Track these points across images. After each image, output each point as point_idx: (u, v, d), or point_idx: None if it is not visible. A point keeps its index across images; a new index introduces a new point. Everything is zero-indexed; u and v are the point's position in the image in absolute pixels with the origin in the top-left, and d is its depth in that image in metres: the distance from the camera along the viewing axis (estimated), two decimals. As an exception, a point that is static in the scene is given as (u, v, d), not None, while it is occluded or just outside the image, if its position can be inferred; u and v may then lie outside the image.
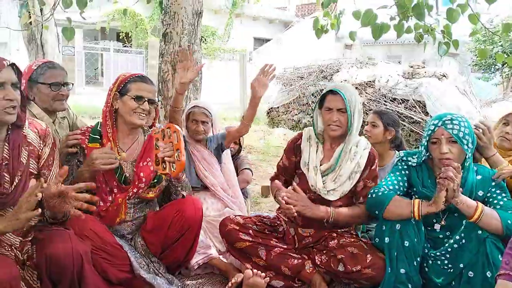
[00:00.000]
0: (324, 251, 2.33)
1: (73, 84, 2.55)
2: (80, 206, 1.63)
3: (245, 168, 3.39)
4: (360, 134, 2.36)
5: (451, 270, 2.03)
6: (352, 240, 2.32)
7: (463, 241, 1.99)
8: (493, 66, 14.58)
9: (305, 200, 2.22)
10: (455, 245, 2.02)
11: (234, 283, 2.26)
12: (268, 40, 19.28)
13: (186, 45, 3.42)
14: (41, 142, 1.87)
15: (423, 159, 2.18)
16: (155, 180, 2.23)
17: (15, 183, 1.73)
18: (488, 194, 2.07)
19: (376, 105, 7.41)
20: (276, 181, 2.30)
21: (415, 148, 6.62)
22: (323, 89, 8.64)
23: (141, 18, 16.19)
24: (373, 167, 2.33)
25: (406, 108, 7.35)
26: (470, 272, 1.94)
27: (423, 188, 2.15)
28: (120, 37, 17.06)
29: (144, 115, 2.16)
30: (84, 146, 2.18)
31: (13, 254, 1.77)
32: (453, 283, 2.03)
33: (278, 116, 9.54)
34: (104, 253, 2.02)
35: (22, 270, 1.77)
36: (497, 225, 1.90)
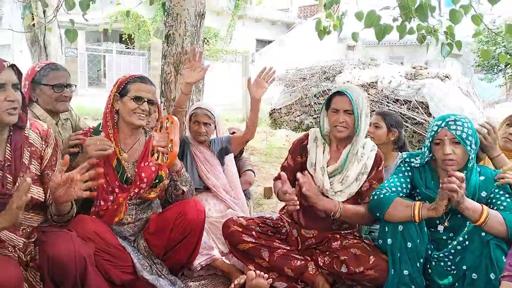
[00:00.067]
0: (327, 253, 2.32)
1: (76, 85, 2.56)
2: (89, 185, 1.69)
3: (248, 170, 3.39)
4: (362, 135, 2.36)
5: (455, 272, 2.02)
6: (355, 241, 2.32)
7: (467, 242, 1.98)
8: (496, 67, 14.55)
9: (316, 190, 2.20)
10: (459, 247, 2.01)
11: (237, 285, 2.25)
12: (270, 42, 19.29)
13: (188, 47, 3.43)
14: (43, 143, 1.88)
15: (426, 160, 2.17)
16: (157, 180, 2.23)
17: (17, 184, 1.73)
18: (492, 195, 2.06)
19: (378, 106, 7.40)
20: (282, 172, 2.25)
21: (418, 149, 6.61)
22: (325, 90, 8.69)
23: (143, 19, 16.23)
24: (379, 169, 2.33)
25: (409, 109, 7.34)
26: (474, 274, 1.93)
27: (426, 190, 2.15)
28: (123, 39, 17.10)
29: (144, 115, 2.17)
30: None
31: (16, 255, 1.77)
32: (457, 284, 2.02)
33: (281, 117, 9.54)
34: (107, 254, 2.02)
35: (25, 272, 1.78)
36: (502, 228, 1.88)
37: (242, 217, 2.52)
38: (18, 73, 1.75)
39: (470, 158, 2.04)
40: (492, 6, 2.86)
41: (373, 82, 8.13)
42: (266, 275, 2.22)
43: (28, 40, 6.09)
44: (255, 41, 20.42)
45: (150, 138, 2.27)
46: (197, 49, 2.69)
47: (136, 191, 2.19)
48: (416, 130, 7.14)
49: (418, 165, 2.20)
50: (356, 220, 2.32)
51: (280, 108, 9.53)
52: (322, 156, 2.34)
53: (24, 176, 1.68)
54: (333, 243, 2.34)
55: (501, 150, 2.30)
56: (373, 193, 2.17)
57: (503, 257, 1.86)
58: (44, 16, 5.32)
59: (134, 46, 17.23)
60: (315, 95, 8.83)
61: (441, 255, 2.07)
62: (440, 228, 2.14)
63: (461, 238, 2.01)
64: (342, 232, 2.40)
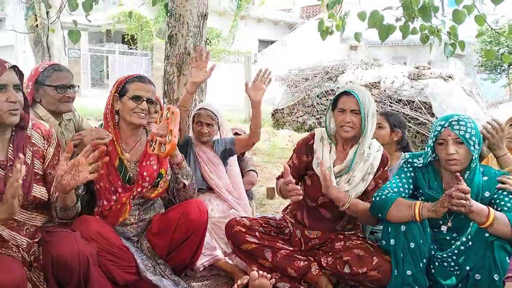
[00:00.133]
0: (330, 253, 2.32)
1: (79, 86, 2.57)
2: (95, 167, 1.71)
3: (250, 170, 3.39)
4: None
5: (458, 272, 2.02)
6: (359, 242, 2.31)
7: (470, 243, 1.97)
8: (499, 67, 14.51)
9: (329, 179, 2.18)
10: (462, 247, 2.00)
11: (240, 285, 2.25)
12: (273, 42, 19.30)
13: (191, 48, 3.44)
14: (45, 143, 1.89)
15: (429, 160, 2.17)
16: (158, 179, 2.24)
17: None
18: (495, 196, 2.05)
19: (381, 107, 7.39)
20: (285, 164, 2.21)
21: (421, 149, 6.60)
22: (328, 91, 8.67)
23: (146, 20, 16.26)
24: (385, 169, 2.33)
25: (412, 109, 7.33)
26: (477, 275, 1.92)
27: (429, 190, 2.14)
28: (126, 40, 17.14)
29: (143, 114, 2.17)
30: None
31: (20, 255, 1.78)
32: (460, 285, 2.01)
33: (283, 117, 9.54)
34: (110, 255, 2.03)
35: (29, 272, 1.79)
36: (507, 229, 1.86)
37: (245, 217, 2.52)
38: (20, 74, 1.76)
39: (474, 158, 2.03)
40: (495, 6, 2.85)
41: (376, 82, 8.13)
42: (269, 276, 2.21)
43: (31, 41, 6.12)
44: (257, 42, 20.43)
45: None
46: (202, 49, 2.69)
47: (139, 190, 2.19)
48: (419, 130, 7.13)
49: (421, 165, 2.20)
50: (363, 216, 2.26)
51: (283, 109, 9.53)
52: (328, 156, 2.33)
53: (15, 162, 1.66)
54: (336, 244, 2.34)
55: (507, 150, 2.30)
56: (375, 194, 2.16)
57: (507, 258, 1.85)
58: (47, 17, 5.34)
59: (136, 47, 17.26)
60: (317, 96, 8.83)
61: (444, 255, 2.06)
62: (443, 228, 2.13)
63: (464, 239, 2.01)
64: (346, 233, 2.39)
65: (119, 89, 2.19)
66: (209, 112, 2.84)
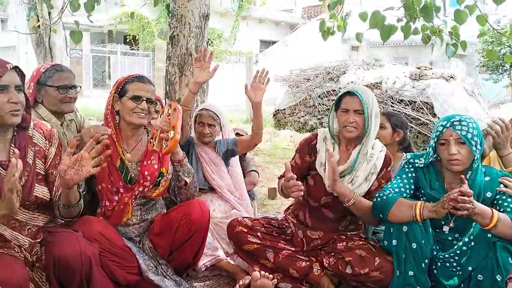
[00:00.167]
0: (332, 254, 2.32)
1: (80, 86, 2.58)
2: (97, 161, 1.73)
3: (252, 170, 3.39)
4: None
5: (460, 273, 2.01)
6: (361, 243, 2.31)
7: (472, 243, 1.97)
8: (501, 67, 14.48)
9: (337, 172, 2.17)
10: (464, 248, 2.00)
11: (241, 285, 2.25)
12: (274, 42, 19.30)
13: (193, 48, 3.44)
14: (47, 142, 1.90)
15: (430, 160, 2.16)
16: (160, 178, 2.24)
17: (22, 183, 1.74)
18: (497, 196, 2.05)
19: (383, 107, 7.38)
20: (286, 161, 2.21)
21: (423, 149, 6.59)
22: (329, 91, 8.65)
23: (148, 21, 16.29)
24: (388, 169, 2.33)
25: (414, 109, 7.32)
26: (480, 275, 1.92)
27: (431, 190, 2.14)
28: (127, 40, 17.18)
29: (143, 114, 2.17)
30: None
31: (23, 255, 1.78)
32: (462, 285, 2.01)
33: (285, 118, 9.53)
34: (113, 255, 2.03)
35: (31, 272, 1.79)
36: (511, 231, 1.87)
37: (247, 217, 2.52)
38: (21, 75, 1.77)
39: (475, 158, 2.03)
40: (497, 6, 2.85)
41: (377, 83, 8.12)
42: (271, 276, 2.22)
43: (33, 41, 6.13)
44: (259, 42, 20.44)
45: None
46: (206, 50, 2.70)
47: (141, 190, 2.20)
48: (421, 130, 7.12)
49: (422, 165, 2.19)
50: (366, 215, 2.25)
51: (284, 109, 9.53)
52: None
53: (12, 158, 1.65)
54: (338, 244, 2.34)
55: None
56: (376, 194, 2.16)
57: (510, 259, 1.85)
58: (49, 18, 5.35)
59: (138, 48, 17.30)
60: (319, 96, 8.82)
61: (446, 256, 2.06)
62: (446, 228, 2.13)
63: (466, 239, 2.00)
64: (348, 233, 2.39)
65: (119, 89, 2.19)
66: (211, 112, 2.84)
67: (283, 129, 9.10)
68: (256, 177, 3.40)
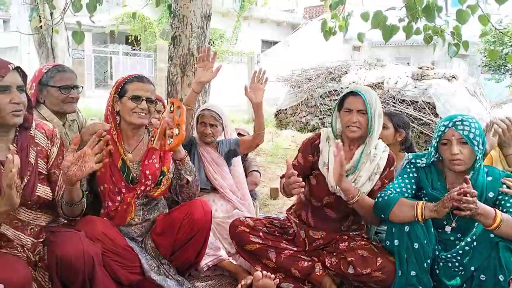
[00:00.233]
0: (334, 254, 2.32)
1: (82, 87, 2.58)
2: (100, 157, 1.75)
3: (254, 170, 3.39)
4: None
5: (463, 273, 2.01)
6: (363, 243, 2.31)
7: (475, 243, 1.97)
8: (503, 67, 14.47)
9: (344, 167, 2.14)
10: (467, 248, 2.00)
11: (243, 285, 2.25)
12: (276, 43, 19.30)
13: (195, 48, 3.45)
14: (49, 142, 1.90)
15: (432, 160, 2.16)
16: (161, 177, 2.24)
17: (24, 183, 1.75)
18: (500, 197, 2.04)
19: (385, 107, 7.37)
20: (288, 160, 2.18)
21: (425, 149, 6.58)
22: (331, 91, 8.64)
23: (149, 21, 16.31)
24: (391, 169, 2.33)
25: (416, 109, 7.30)
26: (482, 275, 1.91)
27: (433, 190, 2.14)
28: (129, 41, 17.19)
29: (143, 114, 2.17)
30: None
31: (25, 255, 1.79)
32: (465, 286, 2.01)
33: (286, 118, 9.53)
34: (115, 255, 2.03)
35: (34, 271, 1.80)
36: None
37: (249, 217, 2.52)
38: (23, 75, 1.77)
39: (478, 158, 2.03)
40: (499, 6, 2.85)
41: (379, 83, 8.11)
42: (273, 276, 2.22)
43: (36, 42, 6.15)
44: (260, 42, 20.45)
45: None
46: (209, 50, 2.70)
47: (142, 189, 2.20)
48: (423, 130, 7.11)
49: (424, 165, 2.19)
50: (369, 213, 2.23)
51: (286, 109, 9.52)
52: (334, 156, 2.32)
53: (8, 152, 1.65)
54: (340, 244, 2.34)
55: None
56: (378, 195, 2.16)
57: (512, 259, 1.85)
58: (51, 18, 5.37)
59: (140, 48, 17.31)
60: (321, 96, 8.81)
61: (448, 256, 2.06)
62: (448, 228, 2.13)
63: (469, 239, 2.00)
64: (351, 233, 2.39)
65: (119, 90, 2.19)
66: (213, 113, 2.84)
67: (285, 129, 9.10)
68: (258, 177, 3.40)
